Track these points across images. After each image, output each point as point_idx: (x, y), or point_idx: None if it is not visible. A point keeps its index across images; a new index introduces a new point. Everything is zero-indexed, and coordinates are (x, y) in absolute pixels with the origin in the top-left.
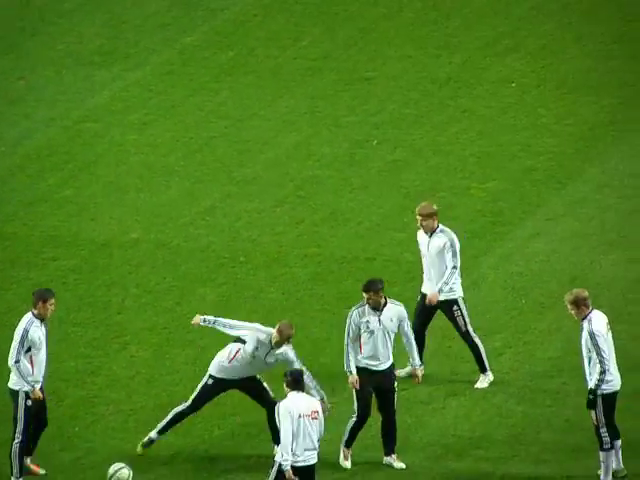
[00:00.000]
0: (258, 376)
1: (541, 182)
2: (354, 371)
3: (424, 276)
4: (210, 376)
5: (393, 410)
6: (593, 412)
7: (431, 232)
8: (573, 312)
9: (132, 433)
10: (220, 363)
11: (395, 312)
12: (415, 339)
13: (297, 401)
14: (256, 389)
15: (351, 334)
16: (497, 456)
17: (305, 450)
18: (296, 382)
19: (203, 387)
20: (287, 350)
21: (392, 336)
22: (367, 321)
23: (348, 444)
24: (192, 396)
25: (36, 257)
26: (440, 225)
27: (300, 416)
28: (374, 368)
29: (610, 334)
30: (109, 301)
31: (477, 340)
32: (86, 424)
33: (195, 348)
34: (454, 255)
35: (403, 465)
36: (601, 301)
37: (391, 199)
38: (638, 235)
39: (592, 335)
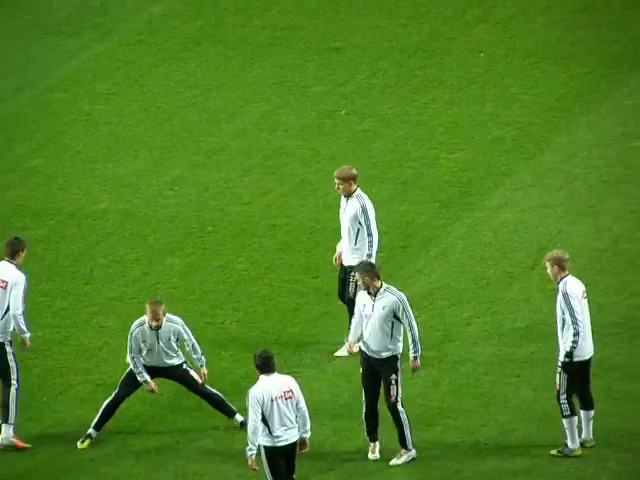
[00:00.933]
0: (184, 365)
1: (509, 152)
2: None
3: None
4: None
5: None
6: (557, 376)
7: (347, 196)
8: (550, 272)
9: (100, 403)
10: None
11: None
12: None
13: (267, 385)
14: (180, 377)
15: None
16: (466, 426)
17: (285, 430)
18: (264, 365)
19: (128, 374)
20: (172, 325)
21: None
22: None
23: (368, 435)
24: (119, 383)
25: (4, 227)
26: (358, 190)
27: (272, 400)
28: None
29: (586, 302)
30: (77, 271)
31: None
32: (54, 394)
33: None
34: (366, 221)
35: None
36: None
37: (359, 169)
38: (606, 205)
39: (565, 296)
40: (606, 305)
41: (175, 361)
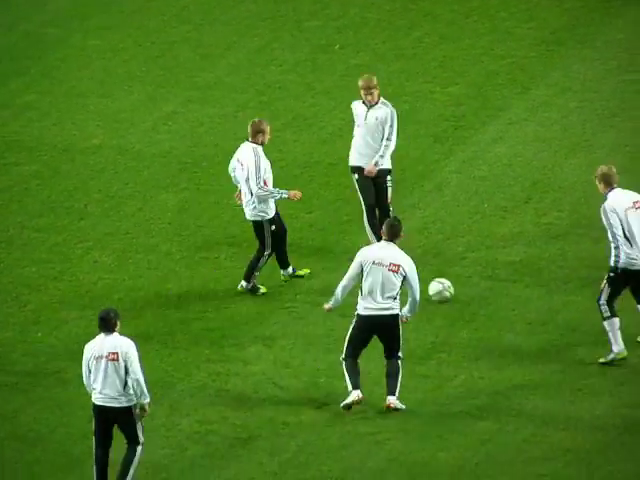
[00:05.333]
0: None
1: (503, 86)
2: None
3: (355, 149)
4: None
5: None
6: (604, 281)
7: (371, 104)
8: (599, 187)
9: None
10: None
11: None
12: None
13: (96, 342)
14: None
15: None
16: (459, 360)
17: (104, 390)
18: (101, 324)
19: None
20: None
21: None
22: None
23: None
24: None
25: None
26: (381, 97)
27: (95, 358)
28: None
29: (637, 213)
30: (71, 207)
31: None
32: (49, 329)
33: (158, 253)
34: (392, 127)
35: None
36: (563, 205)
37: None
38: (600, 139)
39: (603, 211)
40: (600, 238)
41: None
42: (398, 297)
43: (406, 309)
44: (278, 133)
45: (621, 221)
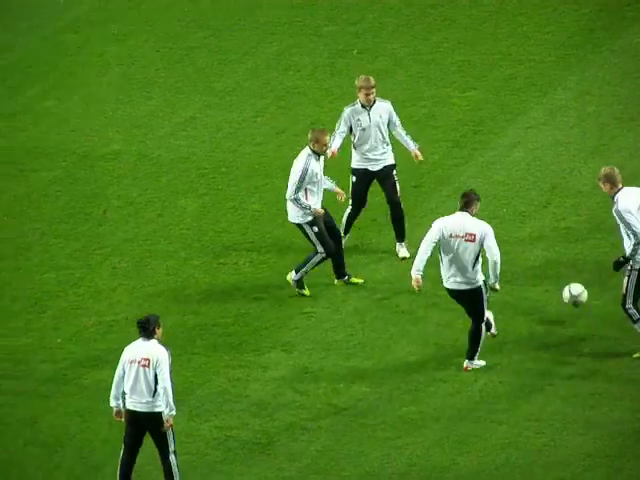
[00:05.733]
0: None
1: (522, 90)
2: None
3: (364, 152)
4: None
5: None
6: (625, 280)
7: (370, 104)
8: (605, 190)
9: (114, 344)
10: None
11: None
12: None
13: (134, 347)
14: None
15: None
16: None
17: (135, 395)
18: (141, 329)
19: None
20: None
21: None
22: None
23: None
24: None
25: (16, 169)
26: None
27: (130, 362)
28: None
29: None
30: (90, 213)
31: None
32: (68, 335)
33: (177, 259)
34: (398, 115)
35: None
36: (582, 209)
37: None
38: (618, 143)
39: (617, 214)
40: (618, 243)
41: None
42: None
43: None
44: (297, 138)
45: (636, 219)
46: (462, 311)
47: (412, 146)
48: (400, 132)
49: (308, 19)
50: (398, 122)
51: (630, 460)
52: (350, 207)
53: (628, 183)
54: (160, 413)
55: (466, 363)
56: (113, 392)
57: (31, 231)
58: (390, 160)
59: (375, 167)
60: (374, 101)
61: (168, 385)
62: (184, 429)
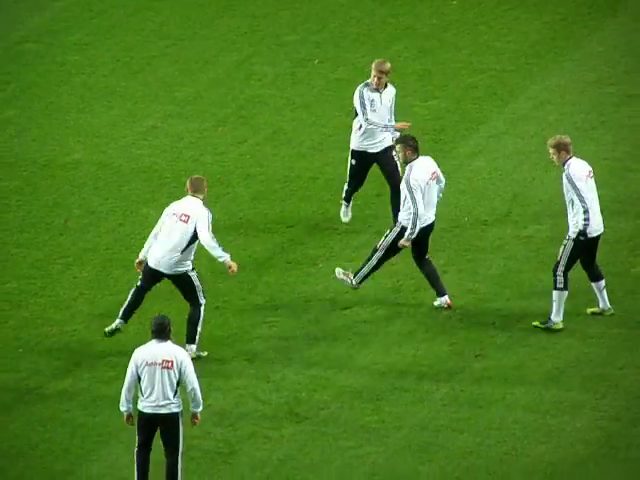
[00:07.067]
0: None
1: (483, 99)
2: None
3: (367, 135)
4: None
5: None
6: (561, 248)
7: (384, 86)
8: (554, 157)
9: (76, 354)
10: None
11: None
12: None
13: (149, 349)
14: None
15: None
16: (440, 373)
17: (153, 397)
18: (158, 331)
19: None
20: None
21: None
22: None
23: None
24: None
25: None
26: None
27: (147, 364)
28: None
29: (592, 182)
30: (51, 222)
31: None
32: (30, 345)
33: None
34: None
35: None
36: (543, 218)
37: (333, 118)
38: (579, 152)
39: (569, 177)
40: None
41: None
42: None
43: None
44: (258, 147)
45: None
46: (424, 320)
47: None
48: (390, 119)
49: (269, 28)
50: (393, 110)
51: (592, 469)
52: (347, 184)
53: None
54: (177, 414)
55: None
56: (125, 396)
57: None
58: (388, 141)
59: (375, 149)
60: (386, 85)
61: (197, 385)
62: None
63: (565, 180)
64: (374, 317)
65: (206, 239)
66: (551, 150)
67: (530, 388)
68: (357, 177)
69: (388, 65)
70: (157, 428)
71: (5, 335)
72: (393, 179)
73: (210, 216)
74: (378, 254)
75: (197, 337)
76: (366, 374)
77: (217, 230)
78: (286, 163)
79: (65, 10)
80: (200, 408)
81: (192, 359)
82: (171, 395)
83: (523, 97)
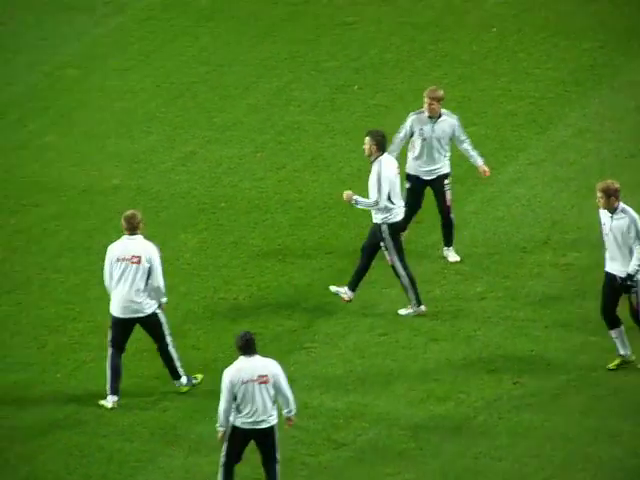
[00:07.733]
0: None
1: (522, 127)
2: None
3: (418, 162)
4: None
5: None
6: (634, 296)
7: (438, 116)
8: (602, 202)
9: None
10: None
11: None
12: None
13: (241, 366)
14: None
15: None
16: (479, 400)
17: (252, 413)
18: (246, 346)
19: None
20: None
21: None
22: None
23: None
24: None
25: (17, 204)
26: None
27: (243, 382)
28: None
29: None
30: (90, 247)
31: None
32: (68, 370)
33: (177, 294)
34: (463, 130)
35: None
36: (581, 245)
37: None
38: (618, 179)
39: (636, 221)
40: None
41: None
42: None
43: None
44: (297, 174)
45: None
46: (462, 347)
47: (479, 162)
48: (467, 147)
49: (309, 54)
50: (464, 137)
51: None
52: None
53: None
54: (272, 427)
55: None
56: (224, 416)
57: (31, 265)
58: (445, 170)
59: (428, 177)
60: (440, 114)
61: (290, 392)
62: (183, 465)
63: (629, 224)
64: (412, 343)
65: (160, 281)
66: (599, 194)
67: (568, 416)
68: (412, 202)
69: (441, 92)
70: (250, 441)
71: (43, 360)
72: (442, 207)
73: (160, 254)
74: (397, 266)
75: (179, 368)
76: (404, 401)
77: (255, 256)
78: (325, 189)
79: (105, 36)
80: (294, 411)
81: (188, 390)
82: (270, 407)
83: (562, 124)
